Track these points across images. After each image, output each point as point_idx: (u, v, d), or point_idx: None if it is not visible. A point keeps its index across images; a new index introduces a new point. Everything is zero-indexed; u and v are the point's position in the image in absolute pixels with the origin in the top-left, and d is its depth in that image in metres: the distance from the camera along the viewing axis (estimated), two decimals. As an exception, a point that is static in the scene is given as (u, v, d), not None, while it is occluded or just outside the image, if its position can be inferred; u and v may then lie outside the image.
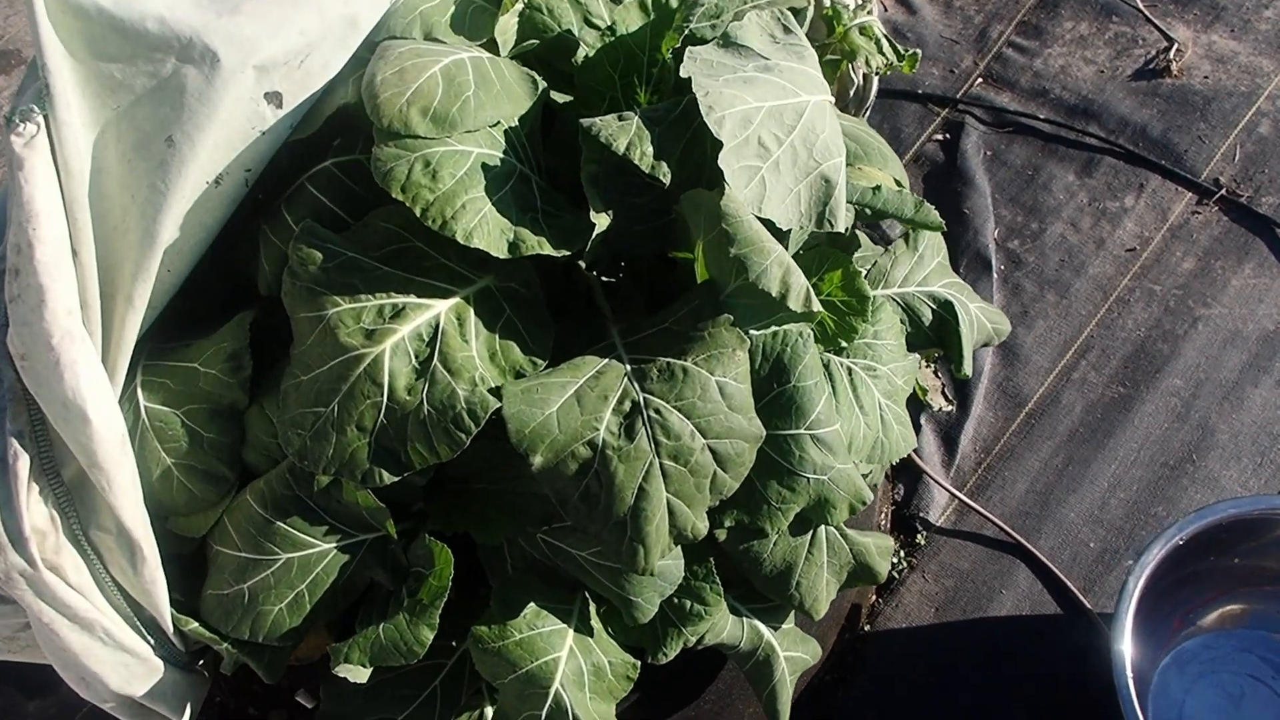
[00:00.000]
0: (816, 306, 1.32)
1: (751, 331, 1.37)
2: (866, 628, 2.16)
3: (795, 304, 1.30)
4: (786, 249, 1.45)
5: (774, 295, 1.29)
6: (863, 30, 1.67)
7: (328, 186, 1.44)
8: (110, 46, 1.30)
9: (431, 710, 1.52)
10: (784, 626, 1.58)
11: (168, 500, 1.39)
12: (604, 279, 1.54)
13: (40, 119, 1.27)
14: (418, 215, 1.29)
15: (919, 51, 1.72)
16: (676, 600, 1.44)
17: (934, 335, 1.71)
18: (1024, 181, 2.67)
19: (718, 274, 1.36)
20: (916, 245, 1.74)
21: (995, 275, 2.53)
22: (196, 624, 1.40)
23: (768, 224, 1.32)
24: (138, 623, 1.41)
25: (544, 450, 1.26)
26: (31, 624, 1.38)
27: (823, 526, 1.49)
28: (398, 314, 1.30)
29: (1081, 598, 2.12)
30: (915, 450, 2.29)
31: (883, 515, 2.22)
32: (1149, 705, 1.94)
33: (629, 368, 1.33)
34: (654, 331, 1.38)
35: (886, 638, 2.13)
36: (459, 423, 1.26)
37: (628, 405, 1.29)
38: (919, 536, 2.24)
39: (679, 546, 1.32)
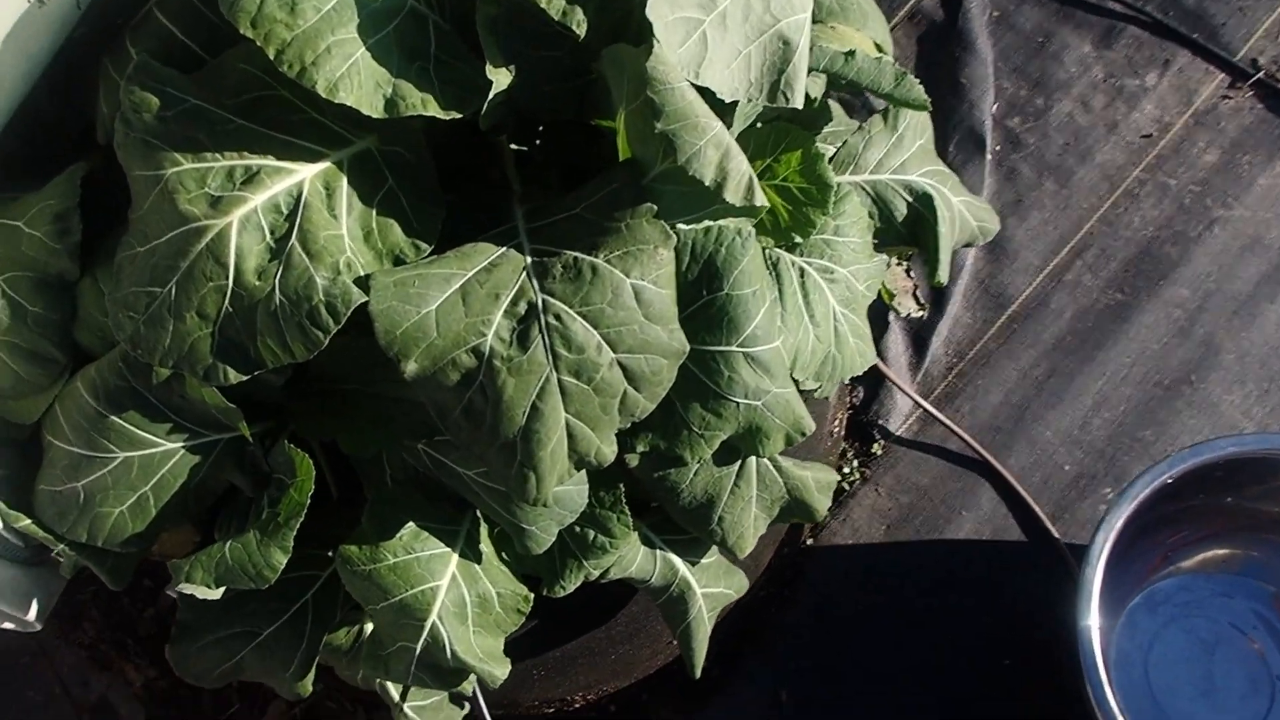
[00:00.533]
0: (760, 200, 1.09)
1: (680, 226, 1.13)
2: (809, 541, 1.98)
3: (733, 195, 1.07)
4: (730, 125, 1.20)
5: (707, 184, 1.05)
6: None
7: (180, 13, 1.17)
8: None
9: (302, 625, 1.35)
10: (704, 560, 1.39)
11: (-17, 385, 1.18)
12: (516, 146, 1.30)
13: None
14: (271, 58, 1.03)
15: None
16: (578, 529, 1.25)
17: (907, 233, 1.47)
18: (1032, 50, 2.38)
19: (642, 153, 1.12)
20: (896, 124, 1.48)
21: (989, 156, 2.27)
22: (29, 521, 1.21)
23: (707, 94, 1.07)
24: (-42, 518, 1.22)
25: (419, 356, 1.04)
26: None
27: (753, 458, 1.29)
28: (251, 179, 1.06)
29: (1050, 525, 1.94)
30: (880, 351, 2.08)
31: (836, 422, 2.03)
32: (1112, 646, 1.79)
33: (529, 260, 1.10)
34: (564, 217, 1.14)
35: (830, 554, 1.96)
36: (315, 318, 1.04)
37: (523, 307, 1.07)
38: (875, 445, 2.04)
39: (582, 471, 1.12)
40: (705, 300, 1.15)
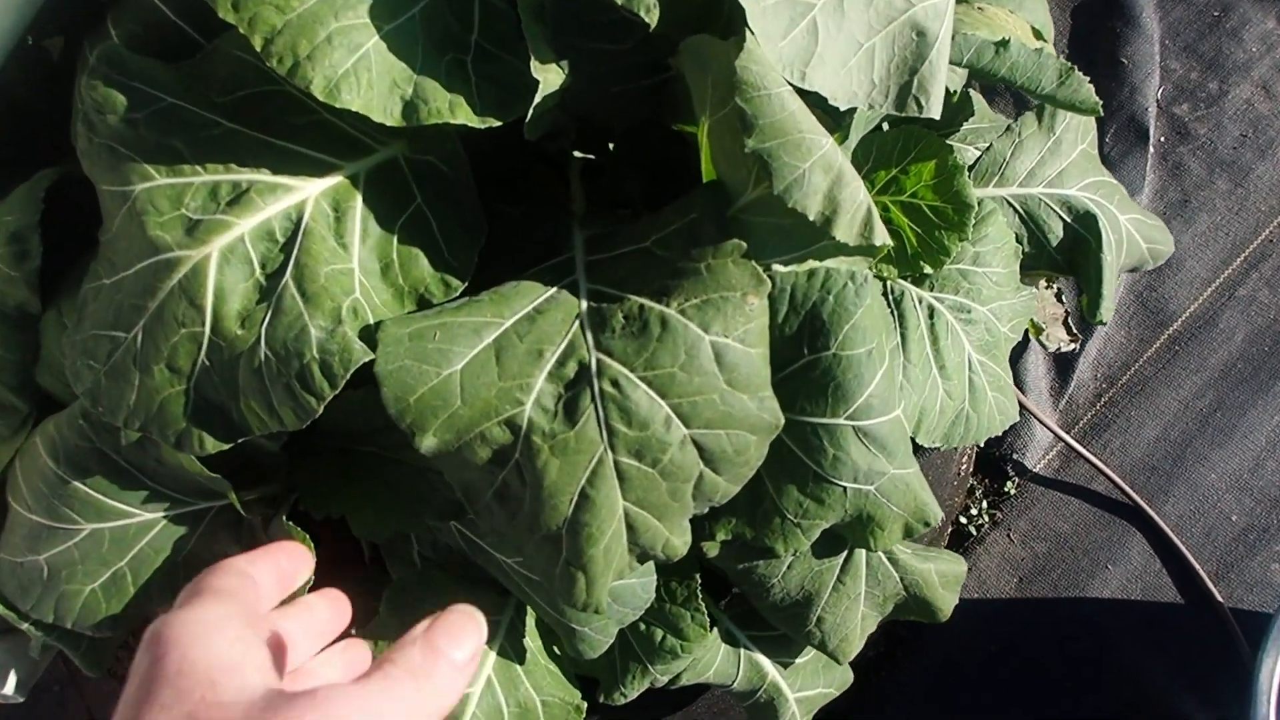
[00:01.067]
0: (881, 238, 0.84)
1: (776, 267, 0.89)
2: (928, 594, 1.73)
3: (846, 233, 0.82)
4: (846, 136, 0.95)
5: (812, 218, 0.81)
6: None
7: (170, -12, 0.97)
8: None
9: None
10: (799, 660, 1.16)
11: (-57, 432, 1.00)
12: (583, 154, 1.07)
13: None
14: (260, 52, 0.82)
15: None
16: (644, 628, 1.03)
17: (1063, 260, 1.20)
18: (1206, 25, 2.05)
19: (729, 175, 0.87)
20: (1053, 125, 1.21)
21: (1152, 149, 1.95)
22: (-13, 591, 1.04)
23: (815, 100, 0.83)
24: (-78, 583, 1.05)
25: (439, 429, 0.82)
26: None
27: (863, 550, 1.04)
28: (238, 198, 0.85)
29: (1211, 586, 1.65)
30: (1017, 373, 1.80)
31: (965, 457, 1.76)
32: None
33: (585, 305, 0.88)
34: (631, 251, 0.91)
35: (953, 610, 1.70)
36: (306, 380, 0.83)
37: (572, 368, 0.84)
38: (1008, 484, 1.77)
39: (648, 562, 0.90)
40: (807, 360, 0.91)
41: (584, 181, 1.05)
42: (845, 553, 1.03)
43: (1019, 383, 1.81)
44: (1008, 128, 1.21)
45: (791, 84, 0.80)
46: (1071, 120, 1.23)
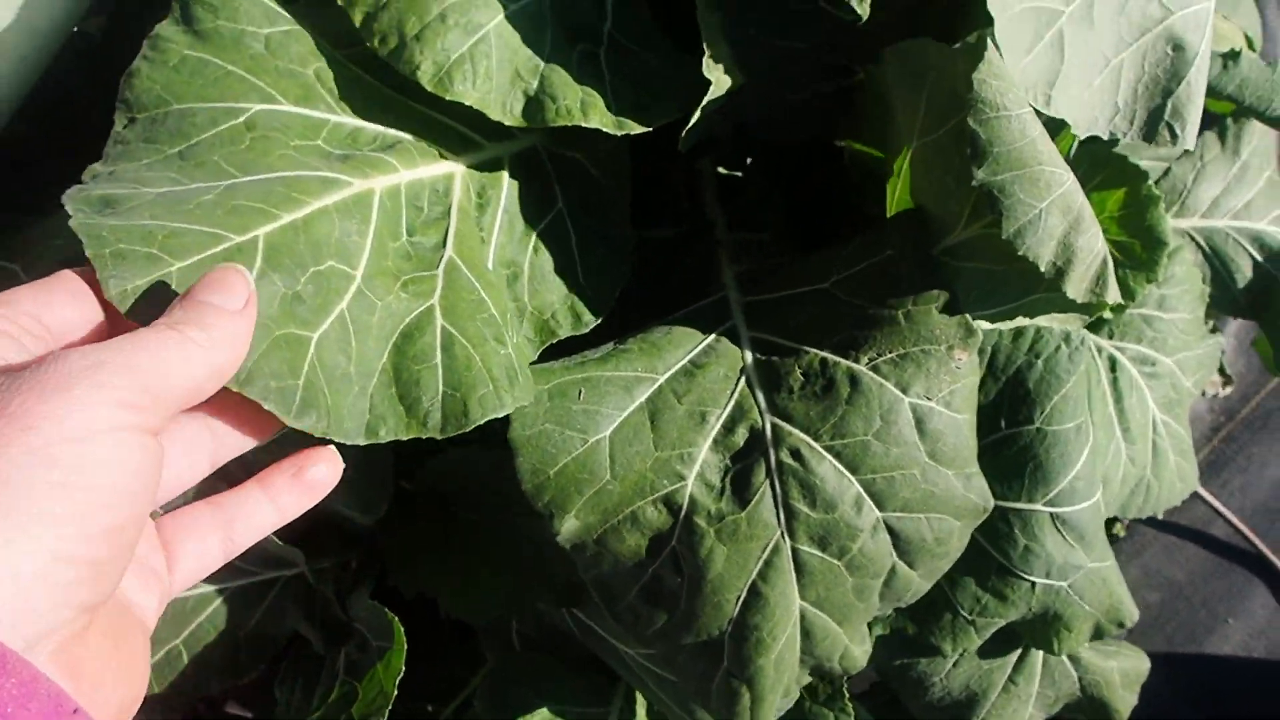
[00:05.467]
0: (1115, 296, 0.70)
1: (980, 321, 0.75)
2: (1028, 643, 1.60)
3: (1076, 289, 0.68)
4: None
5: (1043, 268, 0.66)
6: None
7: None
8: None
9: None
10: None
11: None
12: (722, 170, 0.92)
13: None
14: (357, 28, 0.68)
15: None
16: (779, 726, 0.89)
17: (1246, 303, 1.06)
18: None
19: (937, 208, 0.73)
20: (1238, 148, 1.06)
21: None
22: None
23: (1056, 125, 0.68)
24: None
25: (582, 509, 0.68)
26: None
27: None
28: (391, 147, 0.70)
29: (1341, 646, 1.52)
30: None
31: (1074, 495, 1.62)
32: None
33: (750, 357, 0.73)
34: (803, 294, 0.77)
35: (1054, 662, 1.57)
36: (479, 394, 0.66)
37: (742, 435, 0.70)
38: (1117, 526, 1.63)
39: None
40: (1004, 435, 0.76)
41: (720, 200, 0.91)
42: (1019, 650, 0.90)
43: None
44: (1186, 151, 1.06)
45: (1034, 106, 0.66)
46: (1258, 143, 1.08)
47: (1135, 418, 0.93)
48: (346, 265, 0.62)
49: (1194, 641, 1.56)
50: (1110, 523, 1.59)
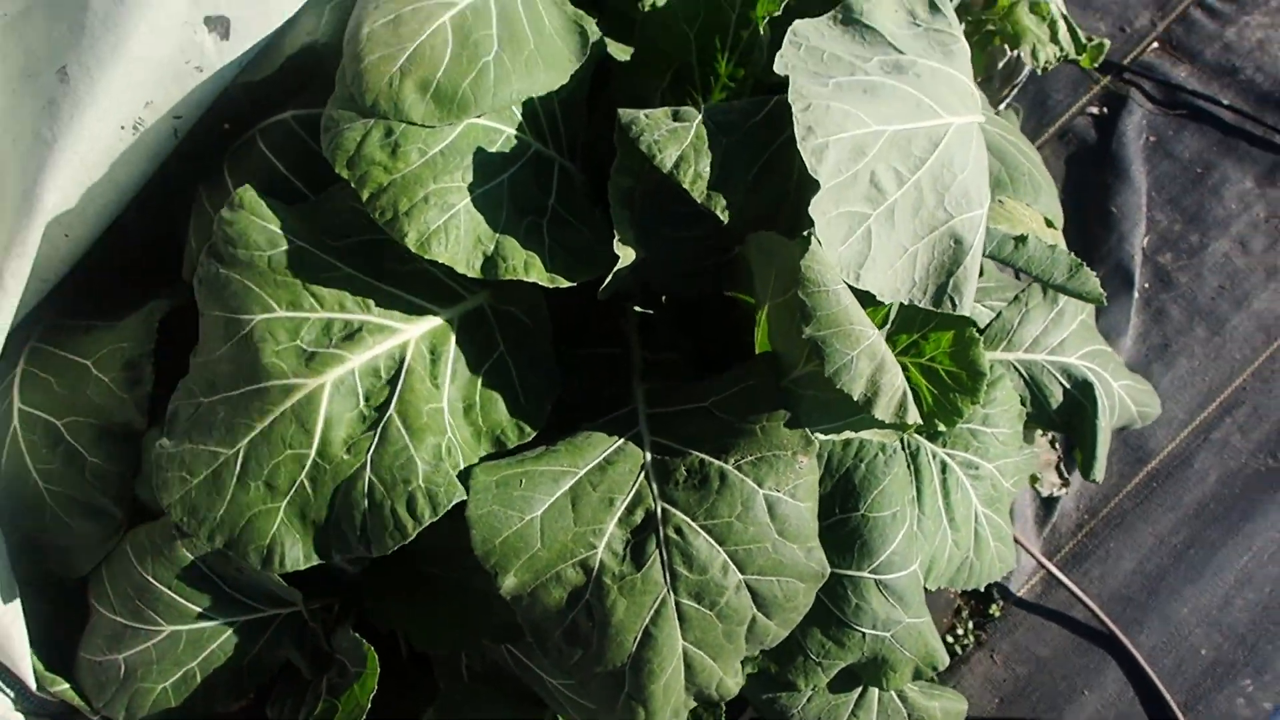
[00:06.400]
0: (913, 418, 0.96)
1: (817, 434, 1.00)
2: (913, 709, 1.82)
3: (883, 412, 0.94)
4: (887, 318, 1.07)
5: (856, 398, 0.92)
6: (1034, 7, 1.24)
7: (283, 145, 1.08)
8: (-2, -68, 0.95)
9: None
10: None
11: (39, 531, 1.09)
12: (639, 309, 1.18)
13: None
14: (364, 203, 0.94)
15: (1106, 43, 1.29)
16: (672, 747, 1.12)
17: (1060, 420, 1.32)
18: (1189, 181, 2.20)
19: (784, 351, 0.99)
20: (1056, 298, 1.33)
21: (1136, 294, 2.09)
22: (67, 686, 1.11)
23: (864, 295, 0.94)
24: (-5, 671, 1.13)
25: (520, 570, 0.93)
26: None
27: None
28: (350, 336, 0.96)
29: (1180, 716, 1.76)
30: (1006, 502, 1.92)
31: (955, 580, 1.86)
32: None
33: (649, 458, 0.98)
34: (691, 410, 1.02)
35: (935, 725, 1.80)
36: (412, 506, 0.93)
37: (640, 516, 0.95)
38: (993, 606, 1.87)
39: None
40: (838, 519, 1.02)
41: (639, 331, 1.17)
42: (860, 689, 1.13)
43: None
44: (1015, 297, 1.34)
45: (847, 282, 0.92)
46: (1075, 293, 1.35)
47: (960, 510, 1.19)
48: (302, 448, 0.93)
49: (1054, 710, 1.79)
50: (988, 602, 1.84)
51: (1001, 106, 1.74)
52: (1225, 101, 2.28)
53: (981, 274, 1.37)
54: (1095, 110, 2.32)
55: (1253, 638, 1.81)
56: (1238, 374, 2.02)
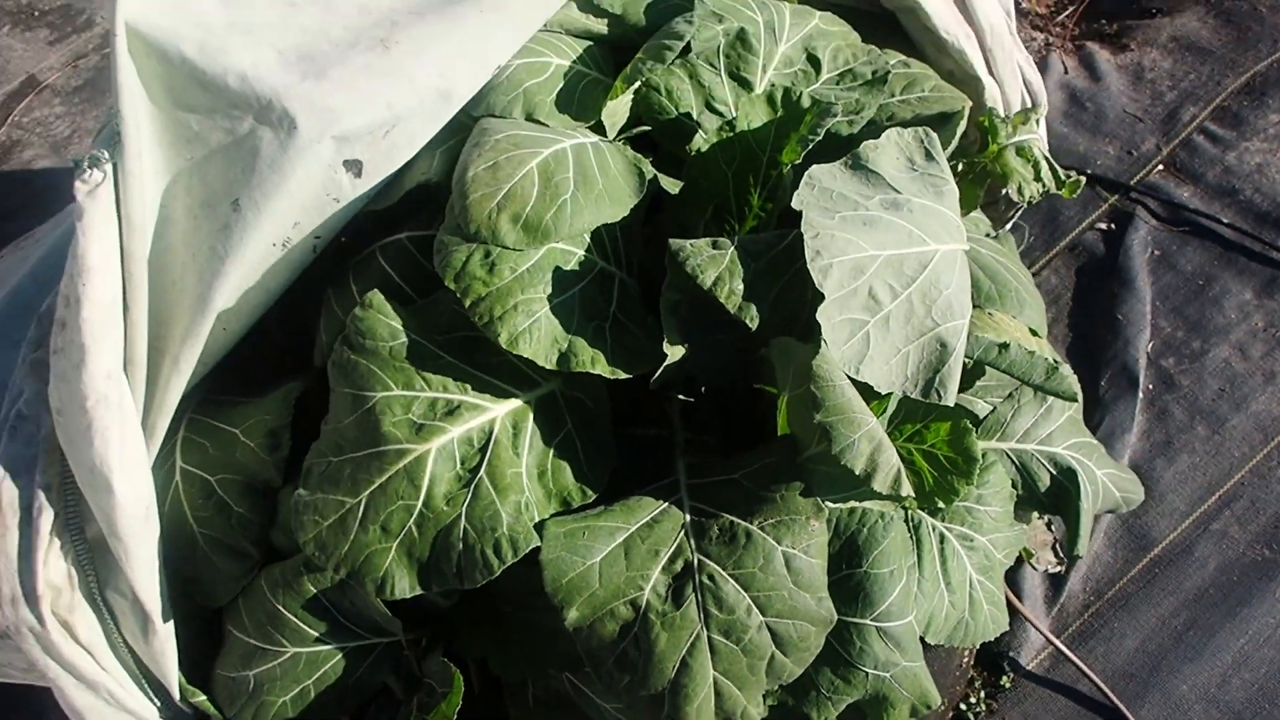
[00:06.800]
0: (906, 490, 1.17)
1: (827, 503, 1.22)
2: (932, 771, 1.98)
3: (881, 485, 1.15)
4: (885, 405, 1.29)
5: (858, 473, 1.14)
6: (1020, 151, 1.47)
7: (399, 260, 1.34)
8: (190, 96, 1.22)
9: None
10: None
11: (189, 567, 1.33)
12: (683, 397, 1.41)
13: (108, 167, 1.20)
14: (467, 309, 1.18)
15: (1083, 178, 1.52)
16: (703, 771, 1.31)
17: (1049, 503, 1.52)
18: (1192, 292, 2.41)
19: (800, 433, 1.21)
20: (1045, 396, 1.54)
21: (1141, 395, 2.29)
22: (204, 698, 1.34)
23: (864, 386, 1.16)
24: (145, 685, 1.35)
25: (581, 605, 1.14)
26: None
27: (878, 722, 1.33)
28: (451, 412, 1.19)
29: (1178, 785, 1.90)
30: (1016, 582, 2.09)
31: (967, 651, 2.03)
32: None
33: (688, 519, 1.20)
34: (723, 480, 1.24)
35: (951, 788, 1.96)
36: (498, 550, 1.15)
37: (680, 565, 1.16)
38: (1004, 678, 2.04)
39: None
40: (844, 574, 1.22)
41: (682, 415, 1.39)
42: (865, 724, 1.32)
43: (1019, 591, 2.09)
44: (1010, 394, 1.55)
45: (849, 376, 1.14)
46: (1061, 390, 1.56)
47: (956, 576, 1.38)
48: (412, 500, 1.16)
49: (1062, 775, 1.95)
50: (999, 674, 2.01)
51: (1007, 227, 1.96)
52: (1225, 220, 2.49)
53: (984, 374, 1.59)
54: (1104, 226, 2.55)
55: (1249, 715, 1.96)
56: (1236, 470, 2.19)
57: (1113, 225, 2.54)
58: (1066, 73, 2.84)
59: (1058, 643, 2.04)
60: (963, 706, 2.02)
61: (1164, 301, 2.41)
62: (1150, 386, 2.31)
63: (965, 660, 2.03)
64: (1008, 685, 2.04)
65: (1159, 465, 2.21)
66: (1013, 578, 2.10)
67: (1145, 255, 2.46)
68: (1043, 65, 2.86)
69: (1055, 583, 2.11)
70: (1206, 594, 2.08)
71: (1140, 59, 2.83)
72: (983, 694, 2.04)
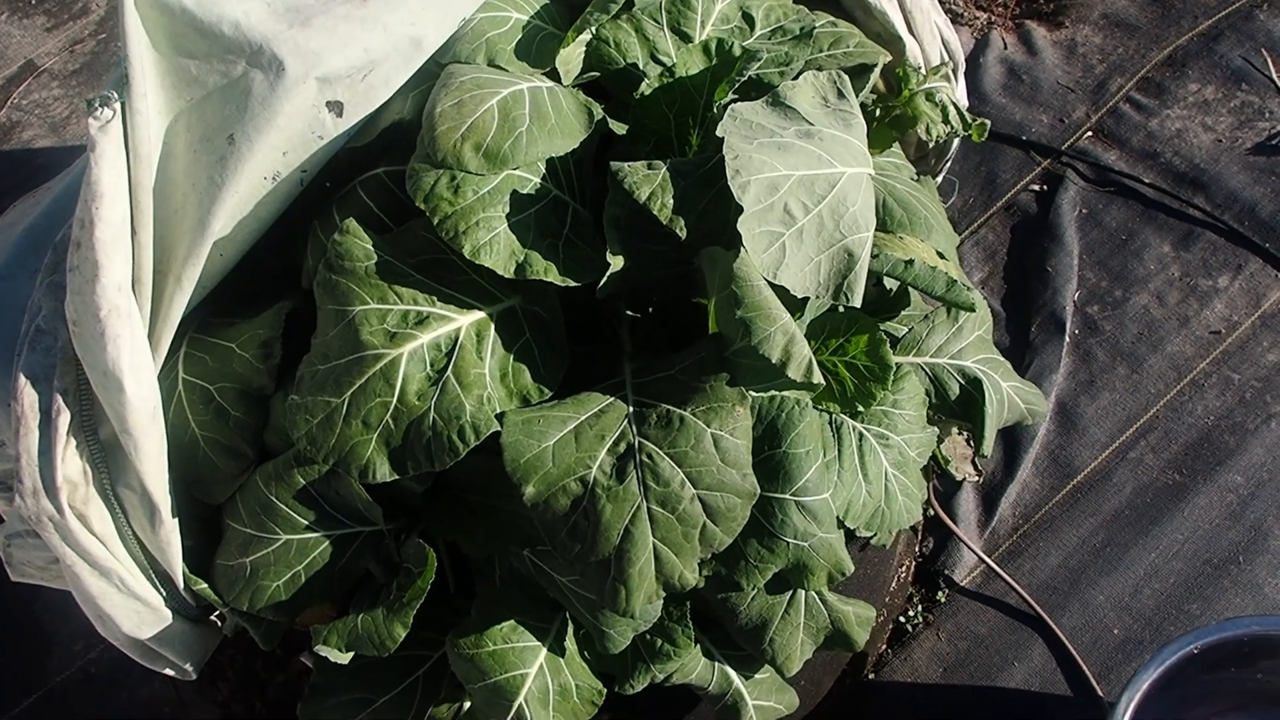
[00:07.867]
0: (817, 378, 1.34)
1: (751, 392, 1.39)
2: (870, 676, 2.16)
3: (795, 373, 1.32)
4: (803, 314, 1.46)
5: (774, 362, 1.31)
6: (929, 96, 1.66)
7: (376, 192, 1.50)
8: (189, 43, 1.39)
9: (412, 696, 1.60)
10: (758, 675, 1.61)
11: (192, 468, 1.49)
12: (631, 313, 1.58)
13: (117, 105, 1.37)
14: (435, 226, 1.34)
15: (987, 121, 1.70)
16: (649, 637, 1.49)
17: (959, 410, 1.70)
18: (1115, 246, 2.60)
19: (725, 331, 1.38)
20: (956, 316, 1.72)
21: (1067, 339, 2.48)
22: (205, 585, 1.50)
23: (783, 291, 1.34)
24: (152, 575, 1.52)
25: (537, 481, 1.31)
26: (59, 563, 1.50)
27: (801, 590, 1.51)
28: (421, 322, 1.36)
29: (1095, 683, 2.09)
30: (951, 508, 2.28)
31: (905, 568, 2.22)
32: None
33: (631, 409, 1.37)
34: (662, 377, 1.41)
35: (889, 689, 2.14)
36: (461, 435, 1.32)
37: (622, 447, 1.33)
38: (940, 594, 2.23)
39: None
40: (766, 455, 1.40)
41: (630, 329, 1.57)
42: (790, 592, 1.50)
43: (954, 516, 2.28)
44: (925, 315, 1.73)
45: (767, 280, 1.32)
46: (972, 315, 1.74)
47: (872, 470, 1.56)
48: (388, 397, 1.31)
49: (989, 677, 2.13)
50: (935, 590, 2.18)
51: (939, 179, 2.15)
52: (1147, 180, 2.68)
53: (909, 304, 1.77)
54: (1037, 187, 2.74)
55: (1158, 620, 2.14)
56: (1152, 405, 2.39)
57: (1045, 187, 2.73)
58: (1006, 48, 3.03)
59: (989, 561, 2.23)
60: (902, 619, 2.21)
61: (1090, 255, 2.60)
62: (1076, 331, 2.49)
63: (904, 576, 2.21)
64: (943, 600, 2.22)
65: (1083, 401, 2.40)
66: (948, 504, 2.29)
67: (1074, 213, 2.65)
68: (984, 42, 3.05)
69: (987, 508, 2.30)
70: (1122, 515, 2.27)
71: (1074, 35, 3.02)
72: (920, 608, 2.22)
